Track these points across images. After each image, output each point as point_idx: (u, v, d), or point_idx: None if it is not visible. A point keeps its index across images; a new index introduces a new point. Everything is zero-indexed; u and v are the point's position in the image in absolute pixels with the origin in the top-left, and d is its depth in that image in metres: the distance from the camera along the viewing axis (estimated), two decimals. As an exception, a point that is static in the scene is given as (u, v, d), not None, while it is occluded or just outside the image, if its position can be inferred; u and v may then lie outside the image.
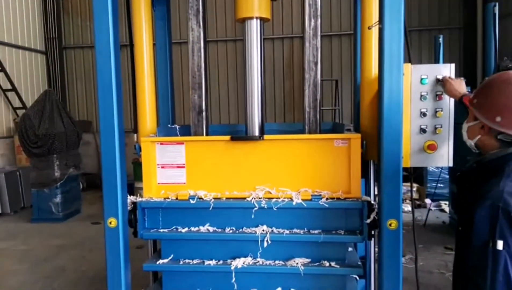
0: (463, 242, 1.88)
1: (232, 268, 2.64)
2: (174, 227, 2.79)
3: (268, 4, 2.80)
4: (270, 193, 2.69)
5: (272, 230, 2.66)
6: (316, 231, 2.66)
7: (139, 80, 3.07)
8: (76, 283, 5.12)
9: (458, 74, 2.65)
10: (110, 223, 2.59)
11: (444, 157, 2.73)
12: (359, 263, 2.70)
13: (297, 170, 2.70)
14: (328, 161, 2.67)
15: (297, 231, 2.67)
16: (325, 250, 2.66)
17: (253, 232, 2.65)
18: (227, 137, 2.71)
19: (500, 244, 1.67)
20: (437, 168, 8.44)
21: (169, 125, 3.30)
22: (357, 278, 2.94)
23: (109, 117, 2.52)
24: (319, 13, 2.74)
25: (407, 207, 7.85)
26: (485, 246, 1.70)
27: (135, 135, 3.14)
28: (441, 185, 8.16)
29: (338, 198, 2.63)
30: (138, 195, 2.82)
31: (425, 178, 8.76)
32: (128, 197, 2.73)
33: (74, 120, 8.76)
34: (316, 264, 2.65)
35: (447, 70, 2.64)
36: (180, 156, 2.77)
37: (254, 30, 2.81)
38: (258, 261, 2.68)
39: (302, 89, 2.82)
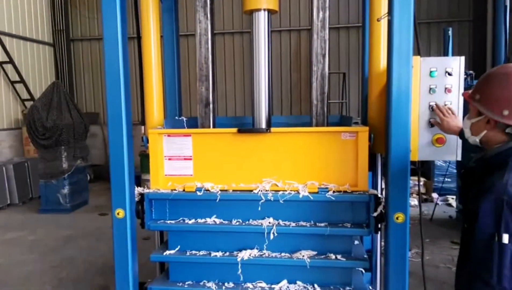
0: (468, 239, 1.86)
1: (239, 260, 2.65)
2: (181, 218, 2.81)
3: (276, -5, 2.79)
4: (277, 185, 2.69)
5: (278, 223, 2.67)
6: (322, 224, 2.65)
7: (147, 72, 3.07)
8: (84, 273, 5.16)
9: (467, 67, 2.63)
10: (118, 214, 2.61)
11: (452, 151, 2.71)
12: (365, 256, 2.70)
13: (304, 163, 2.69)
14: (335, 154, 2.66)
15: (304, 223, 2.68)
16: (331, 243, 2.66)
17: (260, 224, 2.66)
18: (234, 130, 2.71)
19: (505, 238, 1.65)
20: (445, 162, 8.39)
21: (176, 117, 3.31)
22: (363, 271, 2.94)
23: (117, 108, 2.53)
24: (327, 4, 2.72)
25: (414, 201, 7.82)
26: (490, 240, 1.69)
27: (143, 127, 3.15)
28: (448, 180, 8.12)
29: (345, 191, 2.62)
30: (145, 186, 2.84)
31: (433, 172, 8.72)
32: (136, 188, 2.75)
33: (81, 112, 8.80)
34: (322, 256, 2.65)
35: (457, 63, 2.61)
36: (187, 148, 2.77)
37: (261, 22, 2.80)
38: (264, 253, 2.69)
39: (309, 82, 2.80)
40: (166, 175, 2.83)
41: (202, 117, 2.93)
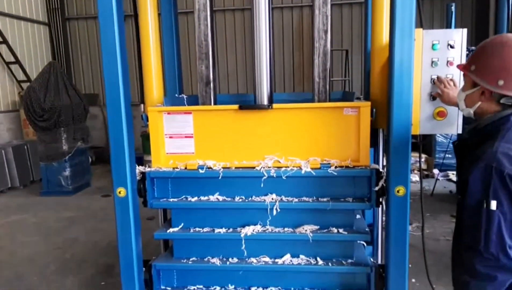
0: (459, 210, 1.88)
1: (242, 235, 2.67)
2: (183, 196, 2.82)
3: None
4: (279, 162, 2.70)
5: (281, 199, 2.68)
6: (324, 199, 2.67)
7: (145, 50, 3.04)
8: (88, 253, 5.21)
9: (469, 42, 2.60)
10: (120, 192, 2.62)
11: (453, 124, 2.71)
12: (366, 229, 2.72)
13: (306, 139, 2.69)
14: (337, 130, 2.66)
15: (306, 199, 2.69)
16: (333, 217, 2.68)
17: (262, 200, 2.68)
18: (236, 106, 2.70)
19: (493, 204, 1.67)
20: (445, 138, 8.40)
21: (176, 95, 3.29)
22: (365, 244, 2.97)
23: (115, 85, 2.51)
24: (328, -21, 2.68)
25: (415, 177, 7.86)
26: (479, 207, 1.71)
27: (142, 105, 3.14)
28: (449, 156, 8.13)
29: (347, 166, 2.63)
30: (147, 166, 2.84)
31: (434, 148, 8.74)
32: (137, 167, 2.75)
33: (80, 93, 8.73)
34: (325, 231, 2.68)
35: (459, 35, 2.58)
36: (188, 126, 2.77)
37: (262, -3, 2.76)
38: (268, 229, 2.72)
39: (311, 59, 2.78)
40: (167, 153, 2.83)
41: (203, 96, 2.91)
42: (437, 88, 2.60)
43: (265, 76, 2.80)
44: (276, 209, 2.64)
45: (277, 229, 2.72)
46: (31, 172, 9.32)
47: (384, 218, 2.74)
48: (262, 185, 2.68)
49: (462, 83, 2.58)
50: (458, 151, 2.09)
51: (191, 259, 2.84)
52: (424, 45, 2.59)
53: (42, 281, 4.45)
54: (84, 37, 12.77)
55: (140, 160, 6.42)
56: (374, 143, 2.96)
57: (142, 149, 8.31)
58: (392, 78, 2.33)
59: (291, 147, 2.70)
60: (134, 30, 3.11)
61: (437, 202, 6.70)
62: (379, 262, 3.19)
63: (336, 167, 2.62)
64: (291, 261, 2.73)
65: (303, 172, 2.61)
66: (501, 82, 1.78)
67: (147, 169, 2.78)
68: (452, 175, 8.21)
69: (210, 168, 2.72)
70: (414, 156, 7.34)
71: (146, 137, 7.31)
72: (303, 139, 2.69)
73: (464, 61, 2.60)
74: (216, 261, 2.78)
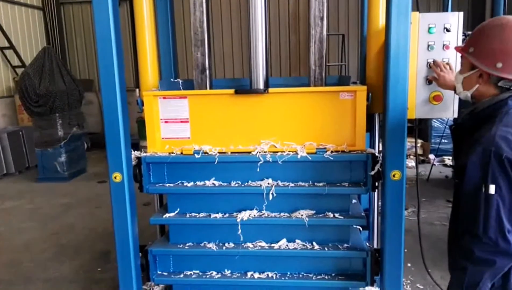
0: (459, 193, 1.87)
1: (238, 220, 2.68)
2: (179, 181, 2.81)
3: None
4: (275, 146, 2.69)
5: (277, 183, 2.68)
6: (320, 184, 2.67)
7: (140, 34, 3.00)
8: (85, 239, 5.22)
9: (465, 26, 2.58)
10: (115, 178, 2.61)
11: (449, 108, 2.70)
12: (362, 214, 2.73)
13: (302, 124, 2.68)
14: (333, 114, 2.65)
15: (302, 184, 2.69)
16: (329, 202, 2.69)
17: (258, 185, 2.67)
18: (231, 91, 2.68)
19: (492, 189, 1.66)
20: (441, 123, 8.40)
21: (171, 79, 3.27)
22: (361, 229, 2.98)
23: (110, 70, 2.48)
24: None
25: (411, 162, 7.88)
26: (477, 191, 1.69)
27: (137, 90, 3.11)
28: (445, 141, 8.15)
29: (343, 151, 2.63)
30: (142, 150, 2.83)
31: (430, 134, 8.75)
32: (132, 152, 2.74)
33: (75, 78, 8.66)
34: (321, 215, 2.69)
35: (456, 18, 2.56)
36: (183, 111, 2.75)
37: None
38: (264, 214, 2.72)
39: (307, 45, 2.75)
40: (163, 138, 2.82)
41: (199, 83, 2.88)
42: (433, 72, 2.58)
43: (261, 61, 2.78)
44: (272, 194, 2.64)
45: (273, 214, 2.72)
46: (27, 158, 9.29)
47: (380, 203, 2.75)
48: (258, 170, 2.68)
49: (458, 67, 2.58)
50: (455, 135, 2.07)
51: (187, 244, 2.84)
52: (420, 29, 2.57)
53: (38, 267, 4.46)
54: (79, 22, 12.63)
55: (136, 146, 6.40)
56: (370, 128, 2.96)
57: (138, 135, 8.28)
58: (388, 62, 2.31)
59: (287, 131, 2.69)
60: (128, 14, 3.07)
61: (433, 187, 6.73)
62: (375, 246, 3.21)
63: (332, 151, 2.61)
64: (287, 245, 2.74)
65: (299, 156, 2.60)
66: (499, 65, 1.76)
67: (143, 154, 2.77)
68: (448, 161, 8.24)
69: (206, 153, 2.72)
70: (410, 142, 7.34)
71: (141, 122, 7.27)
72: (299, 124, 2.68)
73: (460, 45, 2.58)
74: (212, 246, 2.79)
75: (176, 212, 2.84)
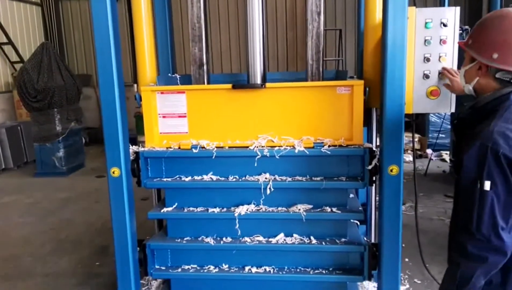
0: (458, 188, 1.87)
1: (236, 215, 2.69)
2: (177, 176, 2.82)
3: None
4: (273, 141, 2.70)
5: (274, 178, 2.69)
6: (318, 178, 2.68)
7: (137, 29, 3.00)
8: (83, 234, 5.22)
9: (462, 21, 2.58)
10: (113, 172, 2.61)
11: (446, 103, 2.70)
12: (360, 208, 2.74)
13: (299, 118, 2.69)
14: (331, 109, 2.66)
15: (299, 178, 2.70)
16: (327, 196, 2.70)
17: (256, 180, 2.68)
18: (229, 86, 2.68)
19: (487, 185, 1.64)
20: (439, 118, 8.40)
21: (169, 74, 3.27)
22: (358, 223, 3.00)
23: (107, 65, 2.48)
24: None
25: (408, 157, 7.89)
26: (473, 187, 1.68)
27: (135, 85, 3.11)
28: (443, 135, 8.15)
29: (340, 145, 2.64)
30: (140, 145, 2.83)
31: (427, 128, 8.75)
32: (130, 147, 2.74)
33: (73, 74, 8.64)
34: (318, 210, 2.70)
35: (452, 13, 2.56)
36: (181, 106, 2.76)
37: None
38: (261, 208, 2.73)
39: (305, 40, 2.76)
40: (160, 133, 2.82)
41: (196, 78, 2.89)
42: (441, 80, 2.58)
43: (258, 55, 2.78)
44: (269, 188, 2.65)
45: (270, 209, 2.73)
46: (25, 153, 9.27)
47: (377, 197, 2.76)
48: (255, 165, 2.69)
49: (455, 62, 2.59)
50: (456, 130, 2.06)
51: (185, 239, 2.86)
52: (417, 24, 2.57)
53: (37, 262, 4.47)
54: (77, 17, 12.58)
55: (134, 141, 6.39)
56: (367, 122, 2.96)
57: (136, 130, 8.27)
58: (385, 56, 2.32)
59: (285, 126, 2.70)
60: (126, 10, 3.07)
61: (430, 182, 6.73)
62: (373, 241, 3.22)
63: (329, 146, 2.62)
64: (284, 240, 2.75)
65: (296, 151, 2.61)
66: (495, 55, 1.75)
67: (141, 149, 2.78)
68: (446, 155, 8.24)
69: (204, 147, 2.72)
70: (407, 136, 7.35)
71: (140, 118, 7.26)
72: (297, 118, 2.69)
73: (457, 40, 2.59)
74: (210, 240, 2.80)
75: (174, 206, 2.85)
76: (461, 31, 6.03)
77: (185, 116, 2.77)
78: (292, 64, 12.14)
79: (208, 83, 2.91)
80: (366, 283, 3.15)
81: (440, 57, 2.60)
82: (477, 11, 10.32)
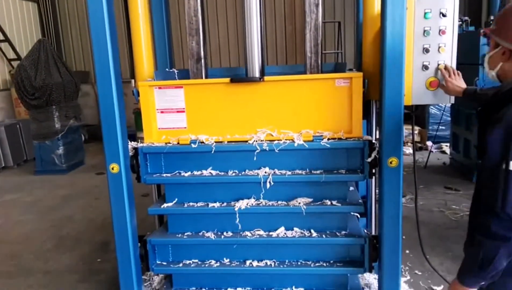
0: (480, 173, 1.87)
1: (236, 209, 2.68)
2: (177, 171, 2.81)
3: None
4: (272, 135, 2.69)
5: (274, 172, 2.69)
6: (317, 171, 2.68)
7: (134, 24, 2.98)
8: (84, 230, 5.23)
9: (462, 11, 2.56)
10: (112, 168, 2.61)
11: (446, 95, 2.69)
12: (360, 201, 2.73)
13: (298, 112, 2.68)
14: (330, 101, 2.64)
15: (299, 171, 2.70)
16: (326, 189, 2.69)
17: (256, 174, 2.68)
18: (227, 80, 2.67)
19: None
20: (439, 110, 8.39)
21: (167, 69, 3.25)
22: (358, 216, 2.99)
23: (104, 60, 2.47)
24: None
25: (408, 149, 7.88)
26: (497, 168, 1.69)
27: (133, 81, 3.10)
28: (443, 128, 8.14)
29: (340, 138, 2.63)
30: (139, 141, 2.82)
31: (427, 120, 8.73)
32: (129, 142, 2.73)
33: (71, 70, 8.60)
34: (318, 203, 2.69)
35: (451, 3, 2.54)
36: (179, 100, 2.74)
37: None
38: (261, 202, 2.73)
39: (303, 33, 2.74)
40: (159, 128, 2.81)
41: (194, 73, 2.87)
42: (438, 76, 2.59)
43: (256, 49, 2.77)
44: (269, 182, 2.64)
45: (271, 203, 2.73)
46: (25, 151, 9.26)
47: (377, 190, 2.76)
48: (255, 159, 2.68)
49: (455, 52, 2.58)
50: (480, 117, 2.06)
51: (185, 234, 2.86)
52: (416, 14, 2.55)
53: (38, 259, 4.47)
54: (74, 13, 12.53)
55: (133, 137, 6.37)
56: (366, 114, 2.95)
57: (135, 126, 8.25)
58: (384, 48, 2.31)
59: (284, 120, 2.69)
60: (123, 4, 3.05)
61: (430, 174, 6.73)
62: (373, 233, 3.22)
63: (328, 139, 2.61)
64: (285, 234, 2.75)
65: (295, 144, 2.60)
66: None
67: (140, 145, 2.77)
68: (446, 147, 8.24)
69: (203, 142, 2.71)
70: (407, 129, 7.33)
71: (139, 114, 7.27)
72: (296, 112, 2.68)
73: (456, 30, 2.58)
74: (210, 235, 2.80)
75: (174, 202, 2.84)
76: (460, 22, 6.01)
77: (183, 111, 2.76)
78: (291, 57, 12.10)
79: (206, 77, 2.90)
80: (367, 275, 3.16)
81: (439, 47, 2.59)
82: (477, 0, 10.28)
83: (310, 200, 2.71)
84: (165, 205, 2.83)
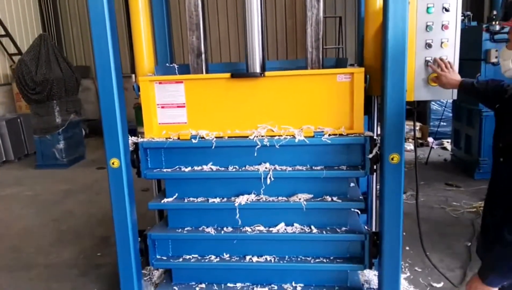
0: (506, 171, 1.83)
1: (236, 205, 2.67)
2: (177, 166, 2.81)
3: None
4: (272, 130, 2.68)
5: (274, 167, 2.68)
6: (318, 167, 2.67)
7: (134, 19, 2.97)
8: (84, 225, 5.23)
9: (464, 5, 2.54)
10: (113, 163, 2.60)
11: (448, 90, 2.68)
12: (360, 197, 2.73)
13: (299, 107, 2.67)
14: (331, 97, 2.63)
15: (300, 167, 2.69)
16: (327, 185, 2.69)
17: (256, 169, 2.67)
18: (227, 75, 2.66)
19: None
20: (440, 106, 8.36)
21: (167, 64, 3.24)
22: (359, 212, 2.99)
23: (105, 55, 2.46)
24: None
25: (409, 145, 7.87)
26: None
27: (133, 76, 3.09)
28: (444, 124, 8.11)
29: (341, 134, 2.62)
30: (140, 136, 2.81)
31: (428, 116, 8.71)
32: (130, 137, 2.72)
33: (71, 65, 8.59)
34: (319, 199, 2.69)
35: (454, -2, 2.53)
36: (180, 96, 2.73)
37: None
38: (262, 198, 2.72)
39: (304, 28, 2.72)
40: (160, 123, 2.80)
41: (194, 68, 2.86)
42: (431, 71, 2.55)
43: (257, 44, 2.75)
44: (270, 178, 2.64)
45: (271, 198, 2.72)
46: (25, 146, 9.27)
47: (378, 186, 2.75)
48: (255, 154, 2.67)
49: (458, 45, 2.56)
50: (498, 114, 2.03)
51: (186, 229, 2.85)
52: (418, 9, 2.53)
53: (39, 253, 4.48)
54: (74, 8, 12.50)
55: (134, 132, 6.35)
56: (368, 110, 2.94)
57: (135, 121, 8.25)
58: (386, 43, 2.29)
59: (284, 115, 2.68)
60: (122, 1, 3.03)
61: (431, 170, 6.72)
62: (374, 230, 3.21)
63: (329, 135, 2.60)
64: (285, 229, 2.74)
65: (296, 140, 2.59)
66: None
67: (140, 140, 2.76)
68: (447, 144, 8.22)
69: (203, 137, 2.70)
70: (408, 125, 7.31)
71: (139, 109, 7.26)
72: (296, 107, 2.67)
73: (459, 25, 2.56)
74: (210, 230, 2.80)
75: (175, 197, 2.84)
76: (463, 17, 5.98)
77: (184, 106, 2.75)
78: (292, 52, 12.06)
79: (207, 72, 2.89)
80: (367, 271, 3.15)
81: (442, 43, 2.57)
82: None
83: (311, 196, 2.70)
84: (165, 200, 2.83)
